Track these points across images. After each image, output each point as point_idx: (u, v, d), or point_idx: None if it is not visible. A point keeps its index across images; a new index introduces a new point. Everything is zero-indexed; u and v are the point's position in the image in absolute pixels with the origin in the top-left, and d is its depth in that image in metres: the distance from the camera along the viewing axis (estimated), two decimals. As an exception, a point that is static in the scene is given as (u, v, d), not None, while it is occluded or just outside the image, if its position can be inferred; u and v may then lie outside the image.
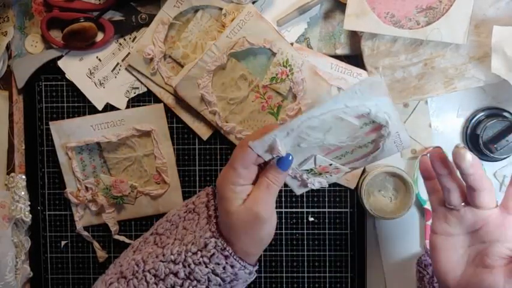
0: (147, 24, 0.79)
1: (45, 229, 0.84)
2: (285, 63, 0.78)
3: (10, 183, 0.82)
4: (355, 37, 0.79)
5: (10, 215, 0.81)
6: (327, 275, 0.83)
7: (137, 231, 0.83)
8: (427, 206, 0.80)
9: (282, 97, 0.79)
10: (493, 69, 0.72)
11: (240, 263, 0.62)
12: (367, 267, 0.83)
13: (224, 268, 0.62)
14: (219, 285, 0.63)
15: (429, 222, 0.80)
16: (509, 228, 0.58)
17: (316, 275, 0.83)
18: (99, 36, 0.79)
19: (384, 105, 0.57)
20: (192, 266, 0.62)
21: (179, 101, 0.80)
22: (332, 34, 0.80)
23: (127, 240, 0.83)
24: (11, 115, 0.82)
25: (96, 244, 0.83)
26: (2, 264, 0.80)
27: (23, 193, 0.82)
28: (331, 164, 0.63)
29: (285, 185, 0.82)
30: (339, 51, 0.80)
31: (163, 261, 0.64)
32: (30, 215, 0.82)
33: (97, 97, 0.81)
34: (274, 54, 0.78)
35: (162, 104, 0.81)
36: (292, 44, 0.79)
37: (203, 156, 0.82)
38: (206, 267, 0.62)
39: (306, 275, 0.83)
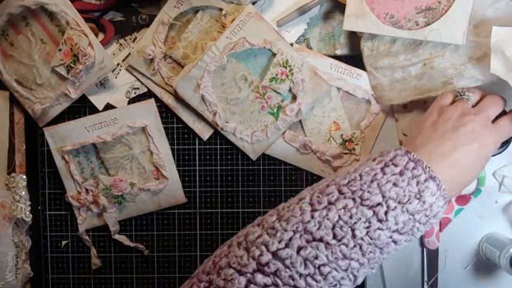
0: (147, 25, 0.79)
1: (45, 229, 0.84)
2: (284, 64, 0.78)
3: (11, 183, 0.82)
4: (354, 37, 0.79)
5: (11, 214, 0.81)
6: (327, 274, 0.83)
7: (137, 230, 0.84)
8: (427, 205, 0.80)
9: (282, 97, 0.79)
10: (492, 70, 0.72)
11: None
12: (367, 267, 0.82)
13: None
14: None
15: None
16: None
17: (316, 274, 0.83)
18: (100, 37, 0.80)
19: None
20: (417, 234, 0.58)
21: (179, 101, 0.81)
22: (332, 35, 0.80)
23: (126, 242, 0.83)
24: (11, 115, 0.82)
25: (93, 250, 0.83)
26: (2, 264, 0.80)
27: (23, 193, 0.82)
28: None
29: (284, 185, 0.82)
30: (339, 52, 0.80)
31: (382, 229, 0.56)
32: (31, 215, 0.82)
33: (97, 97, 0.81)
34: (274, 54, 0.78)
35: (152, 99, 0.81)
36: (292, 44, 0.79)
37: (203, 156, 0.82)
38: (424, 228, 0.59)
39: (305, 274, 0.83)
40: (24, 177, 0.82)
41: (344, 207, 0.56)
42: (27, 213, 0.82)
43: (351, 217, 0.56)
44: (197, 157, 0.82)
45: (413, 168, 0.58)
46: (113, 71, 0.81)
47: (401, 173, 0.58)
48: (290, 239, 0.55)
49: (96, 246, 0.84)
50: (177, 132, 0.82)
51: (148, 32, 0.79)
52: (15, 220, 0.81)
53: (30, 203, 0.82)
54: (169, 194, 0.82)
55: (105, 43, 0.79)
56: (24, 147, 0.83)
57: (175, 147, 0.82)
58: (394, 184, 0.57)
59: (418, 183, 0.58)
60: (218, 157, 0.82)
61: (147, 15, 0.79)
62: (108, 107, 0.82)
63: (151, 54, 0.79)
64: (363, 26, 0.75)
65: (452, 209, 0.80)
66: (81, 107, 0.82)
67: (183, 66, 0.80)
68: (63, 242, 0.84)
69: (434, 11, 0.74)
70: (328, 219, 0.56)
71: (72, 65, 0.77)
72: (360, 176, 0.58)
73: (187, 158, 0.82)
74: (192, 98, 0.79)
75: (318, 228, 0.55)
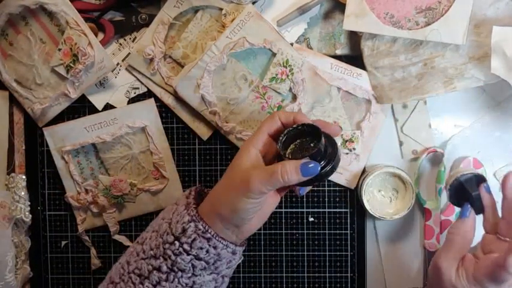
0: (147, 25, 0.79)
1: (45, 229, 0.84)
2: (285, 64, 0.78)
3: (10, 184, 0.82)
4: (355, 37, 0.79)
5: (10, 215, 0.81)
6: (327, 275, 0.83)
7: (137, 231, 0.83)
8: (427, 206, 0.80)
9: (282, 97, 0.79)
10: (493, 70, 0.72)
11: (222, 243, 0.61)
12: (367, 267, 0.83)
13: (207, 251, 0.61)
14: (204, 268, 0.62)
15: (429, 222, 0.80)
16: None
17: (316, 275, 0.83)
18: (100, 37, 0.79)
19: None
20: (173, 257, 0.61)
21: (179, 101, 0.80)
22: (332, 34, 0.80)
23: (126, 242, 0.83)
24: (11, 115, 0.82)
25: (93, 251, 0.83)
26: (2, 264, 0.80)
27: (23, 193, 0.82)
28: None
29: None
30: (339, 52, 0.80)
31: (144, 259, 0.63)
32: (30, 215, 0.82)
33: (97, 97, 0.81)
34: (274, 54, 0.78)
35: (152, 99, 0.81)
36: (292, 44, 0.79)
37: (203, 156, 0.82)
38: (188, 254, 0.61)
39: (306, 275, 0.83)
40: (24, 177, 0.82)
41: (131, 251, 0.66)
42: (27, 213, 0.82)
43: (130, 254, 0.65)
44: (197, 157, 0.82)
45: (179, 201, 0.65)
46: (112, 71, 0.81)
47: (169, 210, 0.66)
48: None
49: (96, 246, 0.84)
50: (177, 132, 0.82)
51: (148, 32, 0.79)
52: (14, 220, 0.81)
53: (29, 203, 0.82)
54: (169, 194, 0.82)
55: (104, 43, 0.79)
56: (23, 147, 0.83)
57: (175, 147, 0.82)
58: (162, 218, 0.65)
59: (175, 210, 0.64)
60: (218, 157, 0.82)
61: (146, 15, 0.79)
62: (108, 107, 0.82)
63: (151, 54, 0.78)
64: (363, 26, 0.75)
65: (453, 211, 0.80)
66: (81, 107, 0.82)
67: (183, 66, 0.80)
68: (63, 242, 0.84)
69: (434, 11, 0.74)
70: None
71: (71, 64, 0.77)
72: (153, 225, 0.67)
73: (187, 158, 0.82)
74: (192, 98, 0.79)
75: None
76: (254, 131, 0.78)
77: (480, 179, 0.70)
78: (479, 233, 0.68)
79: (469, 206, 0.68)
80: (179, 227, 0.61)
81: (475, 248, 0.67)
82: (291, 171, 0.59)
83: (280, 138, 0.63)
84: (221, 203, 0.62)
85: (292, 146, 0.65)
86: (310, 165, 0.60)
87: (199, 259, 0.61)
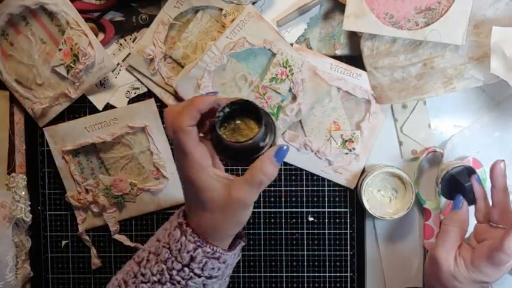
0: (147, 25, 0.79)
1: (45, 229, 0.84)
2: (284, 64, 0.78)
3: (11, 183, 0.82)
4: (354, 37, 0.79)
5: (11, 214, 0.81)
6: (327, 274, 0.83)
7: (137, 230, 0.84)
8: (427, 205, 0.80)
9: (282, 97, 0.80)
10: (492, 70, 0.72)
11: (229, 255, 0.60)
12: (367, 267, 0.83)
13: (219, 268, 0.59)
14: (214, 282, 0.60)
15: (428, 222, 0.80)
16: None
17: (316, 274, 0.83)
18: (100, 37, 0.80)
19: None
20: (183, 282, 0.59)
21: (179, 101, 0.81)
22: (332, 35, 0.80)
23: (126, 242, 0.83)
24: (11, 115, 0.82)
25: (93, 250, 0.83)
26: (2, 264, 0.80)
27: (23, 193, 0.82)
28: None
29: (284, 185, 0.82)
30: (339, 52, 0.80)
31: (145, 282, 0.59)
32: (31, 215, 0.82)
33: (97, 97, 0.81)
34: (274, 54, 0.78)
35: (152, 99, 0.81)
36: (292, 44, 0.79)
37: (203, 156, 0.82)
38: (200, 277, 0.59)
39: (305, 274, 0.83)
40: (24, 177, 0.82)
41: (128, 270, 0.62)
42: (27, 213, 0.82)
43: (127, 273, 0.62)
44: (197, 157, 0.82)
45: (169, 221, 0.61)
46: (112, 71, 0.81)
47: (164, 228, 0.61)
48: None
49: (96, 246, 0.84)
50: (177, 132, 0.82)
51: (148, 32, 0.79)
52: (15, 220, 0.81)
53: (30, 203, 0.82)
54: (169, 194, 0.82)
55: (105, 43, 0.79)
56: (24, 147, 0.83)
57: (175, 147, 0.82)
58: (157, 240, 0.60)
59: (169, 234, 0.59)
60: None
61: (147, 15, 0.79)
62: (108, 107, 0.82)
63: (151, 54, 0.79)
64: (363, 26, 0.75)
65: (452, 210, 0.80)
66: (81, 107, 0.82)
67: (183, 66, 0.80)
68: (63, 242, 0.84)
69: (434, 11, 0.74)
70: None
71: (72, 65, 0.77)
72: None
73: (187, 158, 0.82)
74: (192, 98, 0.79)
75: None
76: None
77: (470, 171, 0.71)
78: (471, 224, 0.69)
79: (461, 197, 0.68)
80: (186, 256, 0.58)
81: (468, 239, 0.68)
82: (270, 169, 0.55)
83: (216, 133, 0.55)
84: (223, 229, 0.59)
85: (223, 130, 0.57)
86: (282, 149, 0.56)
87: (210, 277, 0.59)
